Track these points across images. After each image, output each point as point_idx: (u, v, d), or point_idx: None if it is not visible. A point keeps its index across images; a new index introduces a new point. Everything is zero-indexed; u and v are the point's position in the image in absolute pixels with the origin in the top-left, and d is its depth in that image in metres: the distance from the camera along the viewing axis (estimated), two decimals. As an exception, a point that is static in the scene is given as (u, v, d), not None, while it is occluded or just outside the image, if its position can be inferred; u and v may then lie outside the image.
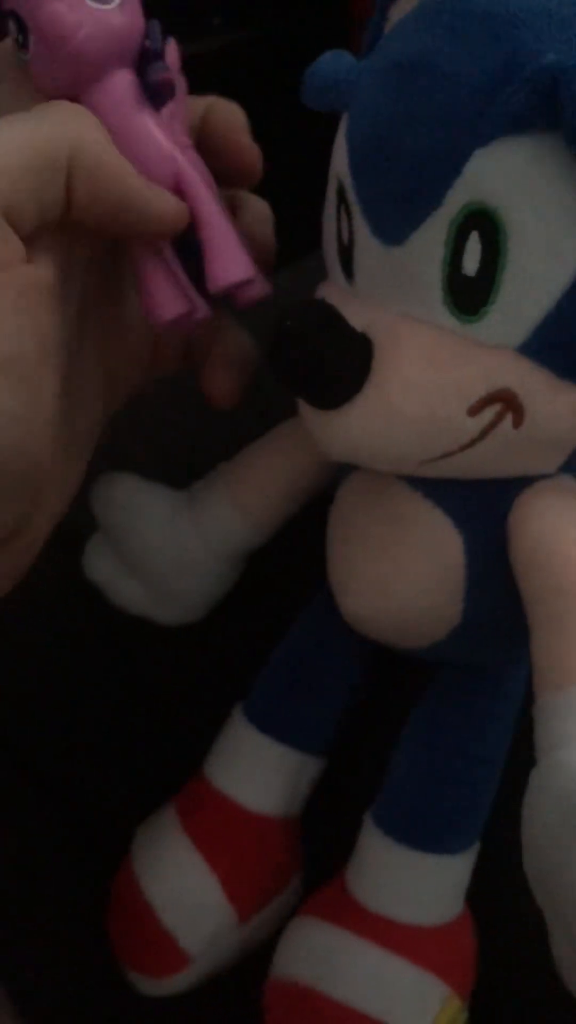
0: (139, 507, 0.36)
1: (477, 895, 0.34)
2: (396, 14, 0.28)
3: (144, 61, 0.27)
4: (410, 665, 0.35)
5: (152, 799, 0.38)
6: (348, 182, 0.26)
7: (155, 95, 0.27)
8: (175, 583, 0.36)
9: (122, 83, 0.27)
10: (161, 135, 0.27)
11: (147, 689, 0.42)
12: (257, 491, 0.35)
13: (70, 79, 0.26)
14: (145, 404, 0.50)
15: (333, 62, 0.27)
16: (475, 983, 0.34)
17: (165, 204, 0.27)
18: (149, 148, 0.27)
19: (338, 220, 0.27)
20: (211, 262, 0.28)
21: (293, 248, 0.34)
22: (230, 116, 0.30)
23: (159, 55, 0.27)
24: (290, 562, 0.38)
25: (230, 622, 0.39)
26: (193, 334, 0.32)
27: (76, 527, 0.39)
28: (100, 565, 0.37)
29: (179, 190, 0.28)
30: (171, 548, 0.35)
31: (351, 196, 0.26)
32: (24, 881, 0.38)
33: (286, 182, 0.34)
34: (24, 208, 0.24)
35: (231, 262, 0.28)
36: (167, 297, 0.28)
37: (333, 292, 0.28)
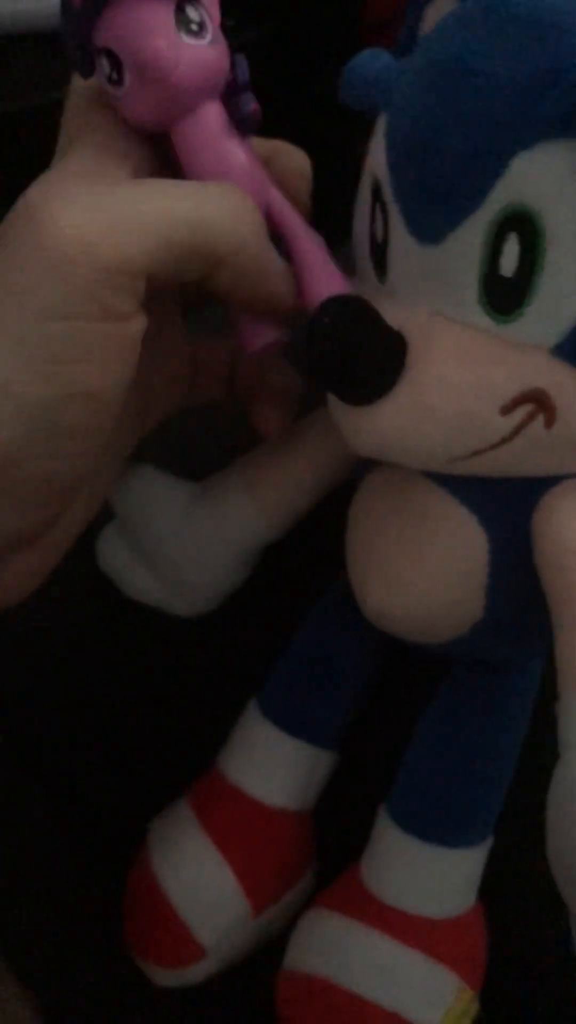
0: (156, 497, 0.36)
1: (490, 888, 0.35)
2: (433, 14, 0.28)
3: (232, 92, 0.28)
4: (423, 660, 0.36)
5: (166, 792, 0.38)
6: (386, 180, 0.26)
7: (243, 125, 0.28)
8: (189, 575, 0.36)
9: (213, 114, 0.27)
10: (254, 164, 0.28)
11: (161, 682, 0.42)
12: (275, 485, 0.35)
13: (164, 113, 0.27)
14: (173, 434, 0.50)
15: (371, 61, 0.27)
16: (487, 975, 0.34)
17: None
18: (243, 178, 0.28)
19: (372, 218, 0.27)
20: (310, 285, 0.29)
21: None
22: (297, 164, 0.31)
23: (247, 86, 0.28)
24: (304, 555, 0.39)
25: (244, 615, 0.40)
26: (240, 364, 0.34)
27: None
28: (113, 555, 0.38)
29: (271, 217, 0.29)
30: (186, 539, 0.35)
31: (388, 195, 0.26)
32: (38, 874, 0.38)
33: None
34: (165, 276, 0.25)
35: (329, 285, 0.29)
36: (262, 325, 0.30)
37: (365, 290, 0.28)
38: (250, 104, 0.28)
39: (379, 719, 0.39)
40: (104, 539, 0.39)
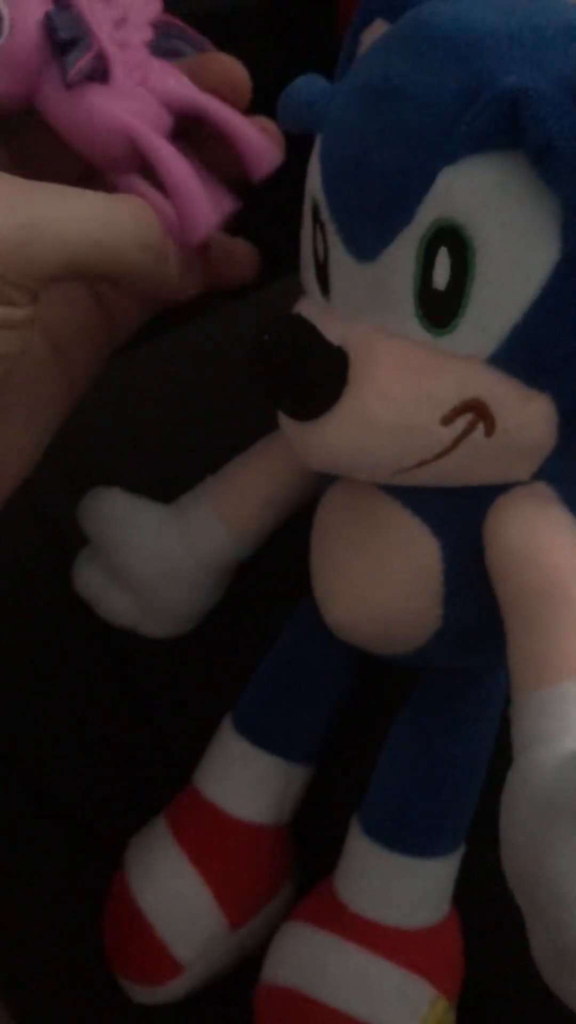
0: (126, 520, 0.36)
1: (463, 896, 0.35)
2: (368, 38, 0.29)
3: (62, 53, 0.27)
4: (397, 671, 0.36)
5: (145, 809, 0.38)
6: (322, 200, 0.27)
7: (89, 77, 0.28)
8: (164, 596, 0.37)
9: (54, 78, 0.28)
10: (107, 109, 0.28)
11: (139, 700, 0.43)
12: (242, 503, 0.36)
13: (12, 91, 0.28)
14: (140, 420, 0.51)
15: (307, 85, 0.28)
16: (462, 984, 0.34)
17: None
18: (98, 127, 0.28)
19: (314, 238, 0.28)
20: (182, 218, 0.29)
21: (285, 262, 0.35)
22: (224, 75, 0.31)
23: (71, 43, 0.27)
24: (279, 572, 0.39)
25: (220, 633, 0.40)
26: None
27: (73, 541, 0.40)
28: (89, 579, 0.38)
29: (139, 151, 0.29)
30: (159, 561, 0.36)
31: (325, 214, 0.27)
32: (18, 891, 0.38)
33: (278, 196, 0.34)
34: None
35: (199, 214, 0.29)
36: (206, 201, 0.29)
37: (310, 308, 0.29)
38: (77, 61, 0.27)
39: (355, 731, 0.39)
40: (80, 563, 0.39)
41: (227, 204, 0.31)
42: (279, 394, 0.26)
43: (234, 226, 0.33)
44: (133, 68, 0.29)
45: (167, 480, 0.40)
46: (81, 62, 0.27)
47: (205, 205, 0.29)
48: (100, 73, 0.28)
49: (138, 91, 0.29)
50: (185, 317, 0.53)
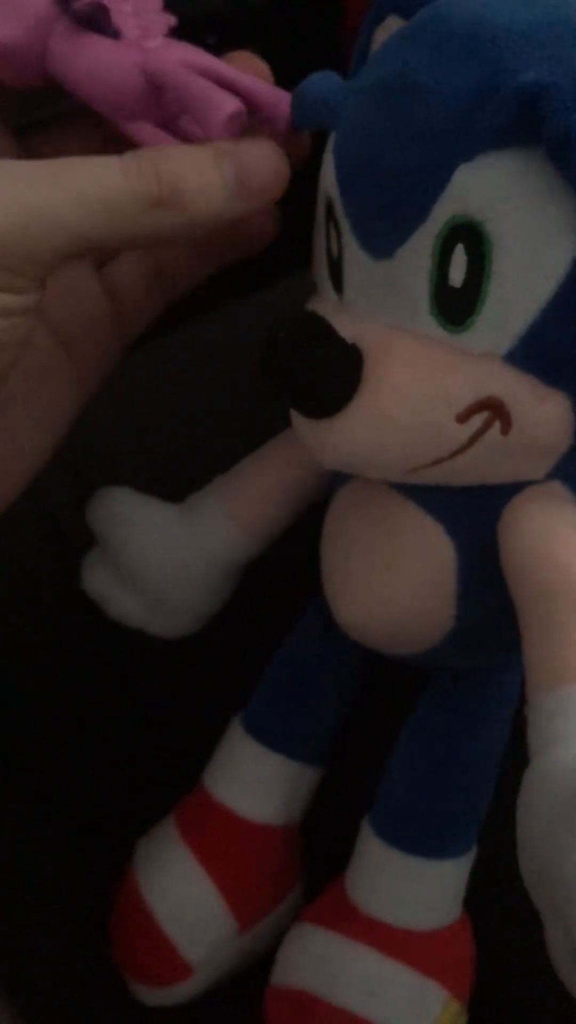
0: (135, 520, 0.36)
1: (475, 898, 0.35)
2: (381, 35, 0.28)
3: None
4: (409, 670, 0.36)
5: (154, 810, 0.38)
6: (336, 198, 0.27)
7: (90, 24, 0.27)
8: (172, 595, 0.37)
9: (61, 27, 0.27)
10: (115, 54, 0.27)
11: (148, 701, 0.43)
12: (252, 502, 0.36)
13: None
14: (144, 419, 0.51)
15: (321, 82, 0.28)
16: (474, 986, 0.34)
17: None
18: (110, 72, 0.27)
19: (327, 235, 0.28)
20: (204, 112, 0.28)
21: (294, 260, 0.35)
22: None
23: None
24: (288, 571, 0.39)
25: (229, 633, 0.40)
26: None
27: (75, 541, 0.40)
28: (98, 578, 0.38)
29: (158, 88, 0.28)
30: (167, 560, 0.36)
31: (339, 212, 0.27)
32: (27, 893, 0.38)
33: (286, 195, 0.34)
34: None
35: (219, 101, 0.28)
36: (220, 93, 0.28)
37: (323, 306, 0.29)
38: (78, 3, 0.27)
39: (366, 731, 0.39)
40: (88, 563, 0.39)
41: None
42: (293, 392, 0.26)
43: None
44: (146, 31, 0.29)
45: (171, 479, 0.40)
46: (83, 5, 0.27)
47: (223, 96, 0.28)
48: (98, 23, 0.27)
49: (150, 46, 0.28)
50: (189, 317, 0.53)
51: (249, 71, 0.29)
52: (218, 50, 0.69)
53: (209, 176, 0.26)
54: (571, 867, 0.22)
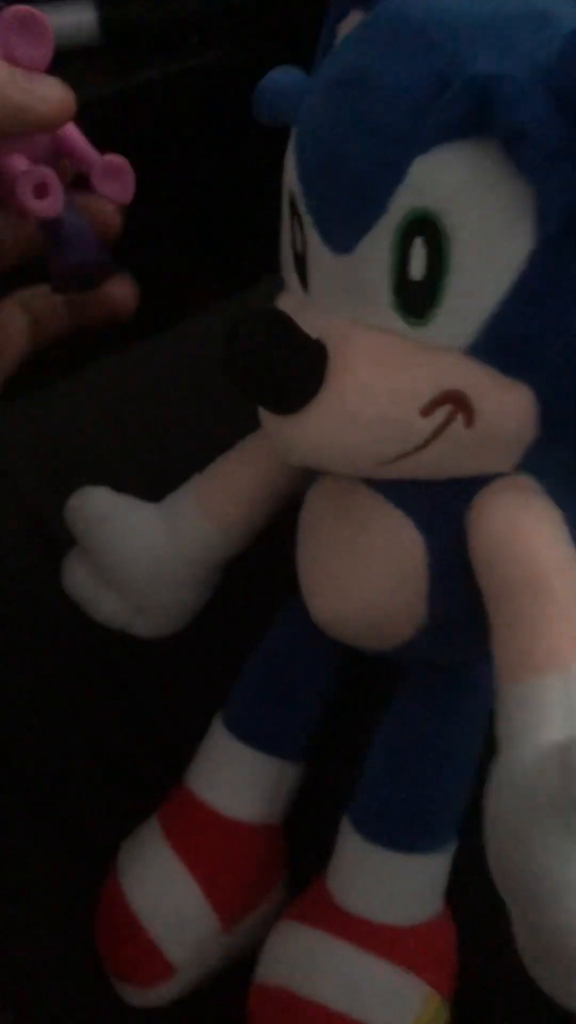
0: (113, 520, 0.36)
1: (457, 892, 0.35)
2: (344, 30, 0.28)
3: None
4: (389, 665, 0.36)
5: (139, 809, 0.38)
6: (298, 193, 0.27)
7: None
8: (153, 595, 0.37)
9: None
10: None
11: (130, 699, 0.43)
12: (229, 500, 0.36)
13: None
14: (129, 420, 0.51)
15: (282, 77, 0.28)
16: (458, 979, 0.34)
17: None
18: None
19: (292, 231, 0.28)
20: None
21: (272, 261, 0.35)
22: None
23: None
24: (269, 569, 0.39)
25: (211, 631, 0.40)
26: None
27: (61, 542, 0.40)
28: (78, 580, 0.38)
29: None
30: (147, 560, 0.36)
31: (302, 207, 0.27)
32: (12, 893, 0.38)
33: (268, 197, 0.34)
34: None
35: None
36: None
37: (290, 302, 0.29)
38: None
39: (348, 727, 0.39)
40: (68, 564, 0.39)
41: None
42: (256, 389, 0.26)
43: (222, 225, 0.33)
44: None
45: (156, 479, 0.40)
46: None
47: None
48: None
49: None
50: (173, 318, 0.53)
51: None
52: (201, 49, 0.69)
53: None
54: (534, 862, 0.22)
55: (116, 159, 0.31)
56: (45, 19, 0.28)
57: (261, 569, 0.38)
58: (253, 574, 0.39)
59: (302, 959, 0.33)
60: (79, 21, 0.60)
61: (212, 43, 0.69)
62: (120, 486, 0.39)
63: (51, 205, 0.29)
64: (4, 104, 0.27)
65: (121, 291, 0.34)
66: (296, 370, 0.26)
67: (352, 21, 0.28)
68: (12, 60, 0.28)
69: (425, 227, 0.24)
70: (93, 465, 0.48)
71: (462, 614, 0.30)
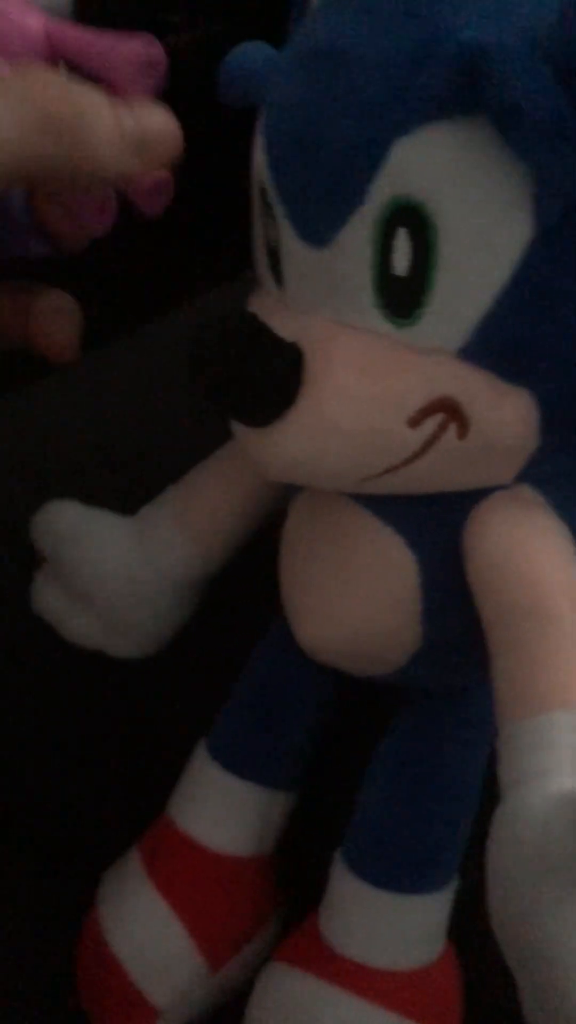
0: (83, 536, 0.34)
1: (461, 931, 0.32)
2: (316, 2, 0.26)
3: None
4: (387, 689, 0.33)
5: (123, 835, 0.36)
6: (268, 182, 0.24)
7: None
8: (127, 615, 0.34)
9: None
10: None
11: (111, 722, 0.40)
12: (205, 515, 0.33)
13: None
14: (110, 428, 0.49)
15: (247, 55, 0.25)
16: (464, 1021, 0.32)
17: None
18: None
19: (264, 224, 0.25)
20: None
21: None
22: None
23: None
24: (259, 586, 0.37)
25: (197, 653, 0.38)
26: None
27: (39, 553, 0.37)
28: (48, 599, 0.36)
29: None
30: (119, 578, 0.33)
31: (272, 197, 0.24)
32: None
33: (247, 182, 0.32)
34: None
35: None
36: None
37: (264, 301, 0.26)
38: None
39: (343, 754, 0.37)
40: (38, 583, 0.37)
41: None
42: (225, 400, 0.24)
43: (208, 213, 0.30)
44: None
45: (136, 489, 0.38)
46: None
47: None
48: None
49: None
50: (154, 316, 0.50)
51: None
52: (181, 29, 0.66)
53: (108, 120, 0.24)
54: (541, 927, 0.20)
55: (165, 176, 0.28)
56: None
57: (250, 586, 0.36)
58: (241, 591, 0.37)
59: (295, 1005, 0.30)
60: (51, 3, 0.58)
61: (193, 22, 0.66)
62: (99, 491, 0.37)
63: None
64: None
65: (60, 334, 0.30)
66: (269, 378, 0.23)
67: (325, -10, 0.25)
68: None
69: (409, 217, 0.22)
70: (70, 469, 0.46)
71: (460, 638, 0.27)
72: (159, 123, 0.24)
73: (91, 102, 0.23)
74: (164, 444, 0.45)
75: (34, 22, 0.26)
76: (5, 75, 0.24)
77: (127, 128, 0.24)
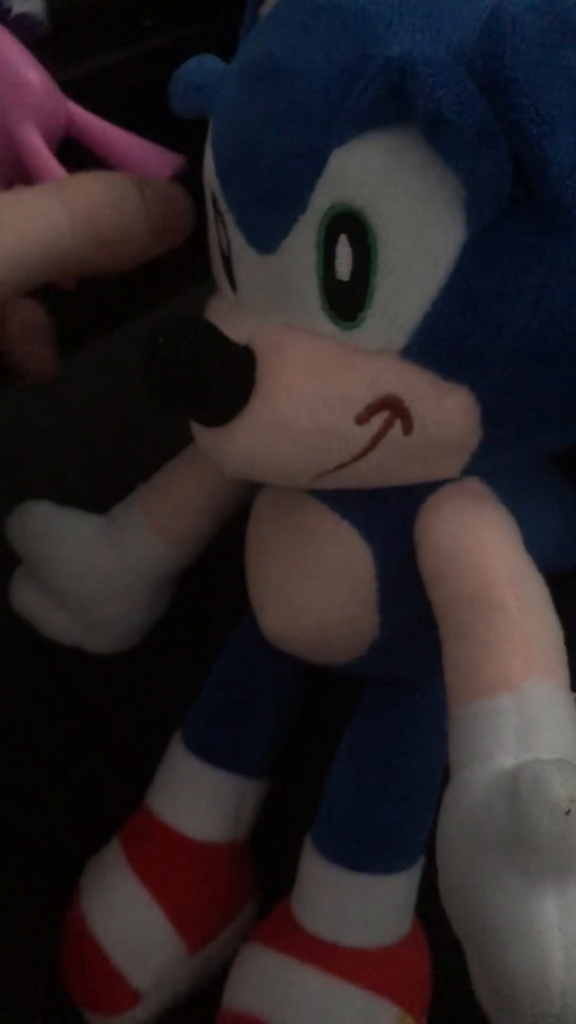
0: (56, 535, 0.35)
1: (431, 907, 0.33)
2: (265, 12, 0.27)
3: None
4: (352, 678, 0.34)
5: (103, 827, 0.37)
6: (218, 190, 0.25)
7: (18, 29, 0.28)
8: (102, 611, 0.35)
9: None
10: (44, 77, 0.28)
11: (90, 718, 0.41)
12: (174, 512, 0.34)
13: None
14: (89, 427, 0.49)
15: (197, 67, 0.26)
16: (433, 998, 0.33)
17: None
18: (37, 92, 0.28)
19: (217, 230, 0.26)
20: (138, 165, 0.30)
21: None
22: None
23: None
24: (231, 581, 0.37)
25: (170, 646, 0.38)
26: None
27: (14, 554, 0.38)
28: (26, 597, 0.37)
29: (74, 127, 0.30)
30: (93, 576, 0.34)
31: (222, 205, 0.25)
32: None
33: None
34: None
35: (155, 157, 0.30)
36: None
37: (220, 304, 0.27)
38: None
39: (315, 741, 0.37)
40: (15, 581, 0.37)
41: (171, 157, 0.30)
42: (180, 402, 0.24)
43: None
44: None
45: (114, 487, 0.39)
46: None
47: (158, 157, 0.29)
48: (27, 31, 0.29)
49: None
50: (129, 315, 0.51)
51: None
52: (154, 33, 0.67)
53: (136, 216, 0.27)
54: (483, 900, 0.20)
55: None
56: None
57: (222, 582, 0.37)
58: (213, 587, 0.37)
59: (270, 985, 0.31)
60: (26, 8, 0.58)
61: (165, 26, 0.66)
62: (76, 492, 0.37)
63: None
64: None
65: (39, 351, 0.32)
66: (222, 379, 0.24)
67: (272, 2, 0.26)
68: None
69: (349, 223, 0.22)
70: (51, 474, 0.46)
71: (416, 627, 0.28)
72: (179, 206, 0.28)
73: (124, 195, 0.26)
74: (140, 444, 0.46)
75: (35, 77, 0.28)
76: (60, 176, 0.26)
77: (154, 217, 0.27)
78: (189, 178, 0.30)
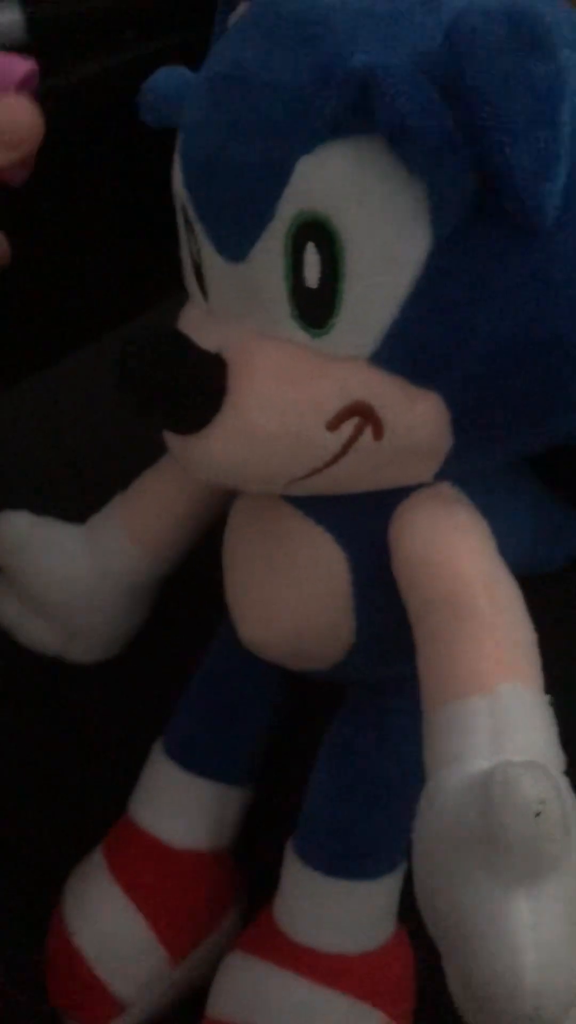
0: (34, 546, 0.35)
1: (415, 914, 0.33)
2: (234, 21, 0.27)
3: None
4: (333, 684, 0.34)
5: (85, 835, 0.37)
6: (187, 200, 0.25)
7: None
8: (82, 620, 0.35)
9: None
10: None
11: (73, 726, 0.41)
12: (152, 520, 0.34)
13: None
14: (72, 433, 0.49)
15: (165, 78, 0.26)
16: (416, 1001, 0.33)
17: None
18: None
19: (187, 239, 0.27)
20: None
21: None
22: None
23: None
24: (212, 590, 0.37)
25: (152, 655, 0.38)
26: None
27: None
28: (5, 607, 0.36)
29: None
30: (71, 585, 0.34)
31: (192, 215, 0.25)
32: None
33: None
34: None
35: None
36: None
37: (193, 313, 0.27)
38: None
39: (297, 749, 0.37)
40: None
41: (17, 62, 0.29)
42: (153, 411, 0.25)
43: (164, 224, 0.31)
44: None
45: (96, 492, 0.39)
46: None
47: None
48: None
49: None
50: (112, 325, 0.51)
51: None
52: (136, 44, 0.67)
53: None
54: (456, 902, 0.21)
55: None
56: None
57: (203, 590, 0.37)
58: (194, 595, 0.37)
59: (253, 992, 0.31)
60: (3, 22, 0.59)
61: (147, 37, 0.67)
62: (55, 502, 0.37)
63: None
64: None
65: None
66: (193, 387, 0.24)
67: (240, 12, 0.27)
68: None
69: (316, 232, 0.23)
70: (25, 481, 0.46)
71: (392, 631, 0.28)
72: (16, 113, 0.27)
73: None
74: (119, 453, 0.46)
75: None
76: None
77: None
78: (162, 186, 0.30)
